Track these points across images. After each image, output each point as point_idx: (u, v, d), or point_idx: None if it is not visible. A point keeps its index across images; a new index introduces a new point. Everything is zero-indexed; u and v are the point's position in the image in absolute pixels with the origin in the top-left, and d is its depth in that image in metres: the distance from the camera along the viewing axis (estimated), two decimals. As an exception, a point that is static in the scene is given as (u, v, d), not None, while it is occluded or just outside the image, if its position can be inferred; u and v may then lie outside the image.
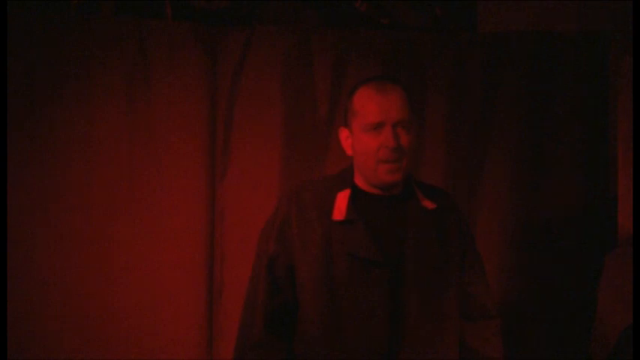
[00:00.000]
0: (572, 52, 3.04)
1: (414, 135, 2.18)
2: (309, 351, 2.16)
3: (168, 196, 2.92)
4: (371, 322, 2.11)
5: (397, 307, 2.12)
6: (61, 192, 2.87)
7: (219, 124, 2.99)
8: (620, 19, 3.05)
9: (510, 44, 3.06)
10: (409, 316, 2.13)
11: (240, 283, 2.73)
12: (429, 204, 2.23)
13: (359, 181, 2.22)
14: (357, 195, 2.20)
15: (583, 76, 3.05)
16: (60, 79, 2.87)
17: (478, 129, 3.06)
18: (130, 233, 2.89)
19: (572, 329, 2.97)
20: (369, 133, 2.14)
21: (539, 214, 3.02)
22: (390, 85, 2.17)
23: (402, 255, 2.15)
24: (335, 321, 2.13)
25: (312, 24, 3.22)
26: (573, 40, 3.05)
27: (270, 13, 3.21)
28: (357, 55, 3.03)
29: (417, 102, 3.04)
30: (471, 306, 2.29)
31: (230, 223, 2.97)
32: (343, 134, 2.23)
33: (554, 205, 3.02)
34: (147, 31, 2.94)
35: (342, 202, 2.18)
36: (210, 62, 2.98)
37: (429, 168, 3.03)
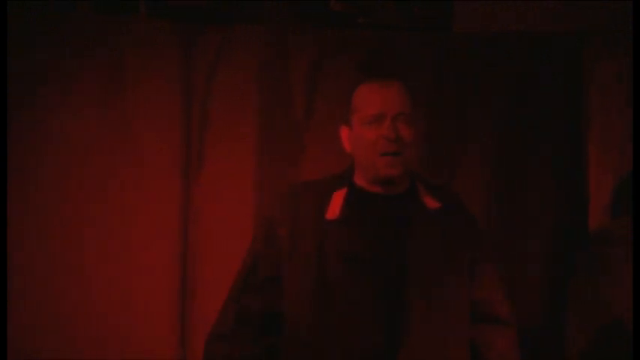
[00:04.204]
0: (547, 52, 3.04)
1: (416, 130, 2.14)
2: (299, 354, 2.10)
3: (143, 195, 2.92)
4: (364, 325, 2.04)
5: (395, 308, 2.05)
6: (36, 190, 2.87)
7: (194, 122, 2.99)
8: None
9: (488, 45, 3.06)
10: (409, 319, 2.05)
11: (213, 283, 2.74)
12: (431, 202, 2.16)
13: (359, 180, 2.17)
14: (354, 194, 2.15)
15: (559, 76, 3.04)
16: (35, 77, 2.87)
17: (455, 129, 3.04)
18: (103, 232, 2.89)
19: (545, 330, 2.96)
20: (369, 126, 2.10)
21: (514, 213, 3.01)
22: (391, 81, 2.16)
23: (399, 255, 2.08)
24: (325, 324, 2.06)
25: (289, 23, 3.21)
26: (548, 40, 3.05)
27: (247, 11, 3.20)
28: (334, 54, 3.02)
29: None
30: (479, 310, 2.17)
31: (204, 221, 2.96)
32: (343, 132, 2.19)
33: (530, 204, 3.01)
34: (123, 29, 2.94)
35: (337, 201, 2.13)
36: (187, 60, 2.98)
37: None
